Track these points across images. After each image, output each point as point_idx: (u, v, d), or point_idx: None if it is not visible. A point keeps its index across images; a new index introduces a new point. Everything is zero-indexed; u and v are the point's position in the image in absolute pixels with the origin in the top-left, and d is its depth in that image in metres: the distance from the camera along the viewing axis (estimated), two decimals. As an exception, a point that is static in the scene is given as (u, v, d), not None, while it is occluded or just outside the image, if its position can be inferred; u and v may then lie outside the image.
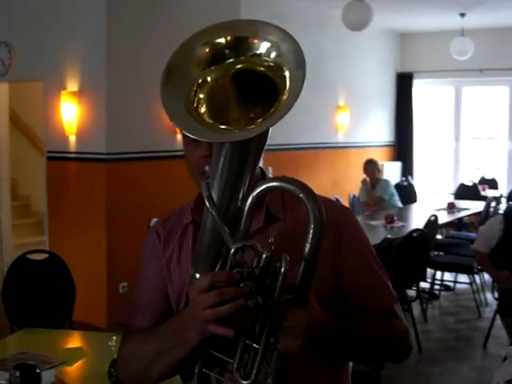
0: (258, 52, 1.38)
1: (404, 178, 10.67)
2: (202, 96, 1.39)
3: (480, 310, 6.83)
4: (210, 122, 1.37)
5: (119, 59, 6.24)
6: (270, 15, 8.05)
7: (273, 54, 1.36)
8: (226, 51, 1.40)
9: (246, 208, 1.42)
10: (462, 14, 9.45)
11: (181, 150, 6.39)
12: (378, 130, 11.30)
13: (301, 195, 1.38)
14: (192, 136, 1.34)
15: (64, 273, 4.34)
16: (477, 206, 8.54)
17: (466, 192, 10.00)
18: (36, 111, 7.54)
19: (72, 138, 6.36)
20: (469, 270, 6.89)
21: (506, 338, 5.67)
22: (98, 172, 6.25)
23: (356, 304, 1.64)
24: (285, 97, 1.31)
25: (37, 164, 8.07)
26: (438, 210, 8.04)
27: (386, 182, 8.72)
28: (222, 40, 1.40)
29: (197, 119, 1.36)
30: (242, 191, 1.44)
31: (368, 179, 8.53)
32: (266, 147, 1.51)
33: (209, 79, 1.40)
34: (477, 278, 7.17)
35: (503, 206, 8.75)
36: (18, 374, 2.51)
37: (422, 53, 11.40)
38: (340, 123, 10.13)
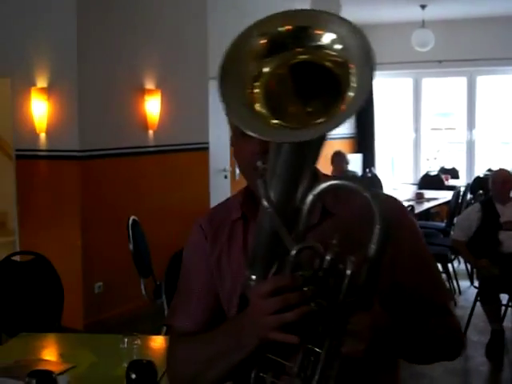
0: (320, 43, 1.28)
1: (368, 170, 10.70)
2: (258, 90, 1.30)
3: (455, 299, 6.88)
4: (272, 119, 1.28)
5: (90, 53, 6.09)
6: (230, 8, 7.98)
7: (337, 47, 1.27)
8: (287, 40, 1.30)
9: (306, 208, 1.36)
10: (423, 6, 9.52)
11: (153, 146, 6.21)
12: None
13: (366, 194, 1.32)
14: (258, 136, 1.26)
15: (51, 274, 4.22)
16: (444, 196, 8.61)
17: (429, 182, 10.07)
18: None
19: (42, 136, 6.19)
20: (444, 259, 6.94)
21: (484, 326, 5.74)
22: (70, 170, 6.10)
23: (412, 301, 1.60)
24: (351, 95, 1.22)
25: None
26: (408, 200, 8.08)
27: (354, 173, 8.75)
28: (281, 29, 1.31)
29: (256, 116, 1.27)
30: (300, 190, 1.38)
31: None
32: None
33: (266, 71, 1.31)
34: (449, 266, 7.22)
35: (468, 195, 8.85)
36: (34, 381, 2.41)
37: (382, 45, 11.42)
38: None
